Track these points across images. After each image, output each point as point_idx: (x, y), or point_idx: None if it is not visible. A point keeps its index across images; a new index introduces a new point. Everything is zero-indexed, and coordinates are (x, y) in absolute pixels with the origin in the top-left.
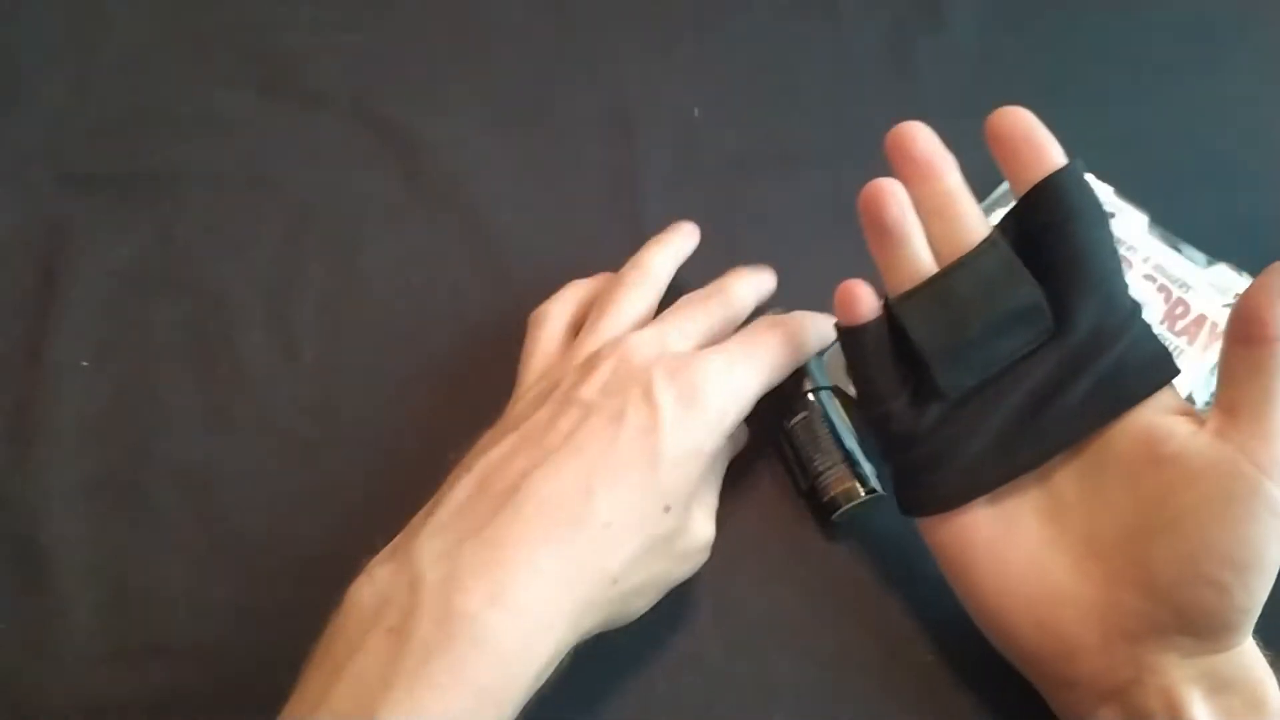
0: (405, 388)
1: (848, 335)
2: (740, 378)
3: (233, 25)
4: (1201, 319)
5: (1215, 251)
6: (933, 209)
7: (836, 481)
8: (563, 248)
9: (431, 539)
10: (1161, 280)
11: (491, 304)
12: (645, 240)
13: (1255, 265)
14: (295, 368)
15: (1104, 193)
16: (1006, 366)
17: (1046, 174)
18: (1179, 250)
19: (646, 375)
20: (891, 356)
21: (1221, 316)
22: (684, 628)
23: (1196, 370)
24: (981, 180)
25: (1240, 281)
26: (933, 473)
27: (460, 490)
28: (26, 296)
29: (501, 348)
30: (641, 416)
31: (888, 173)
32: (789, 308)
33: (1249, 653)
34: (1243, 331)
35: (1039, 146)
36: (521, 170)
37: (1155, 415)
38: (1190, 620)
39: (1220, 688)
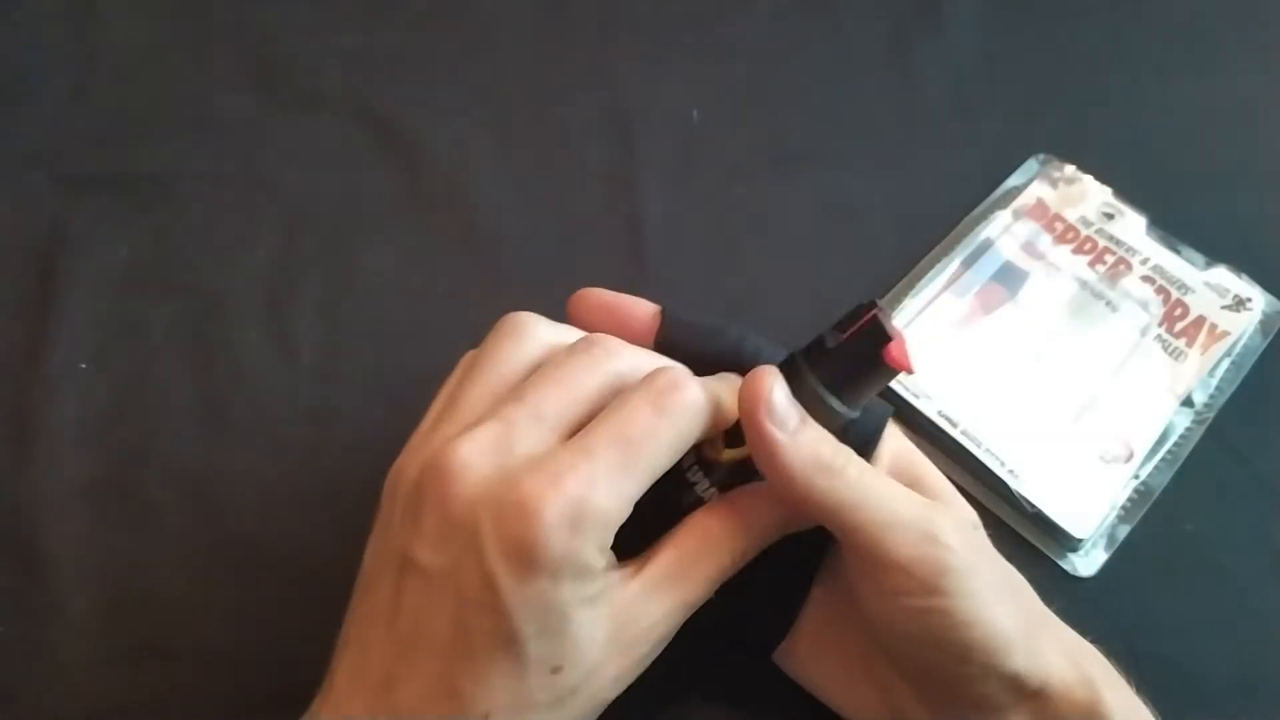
0: (404, 389)
1: None
2: (601, 500)
3: (232, 26)
4: (1200, 320)
5: (1214, 253)
6: None
7: None
8: (561, 249)
9: None
10: (1160, 282)
11: (490, 305)
12: (645, 242)
13: (1255, 266)
14: (294, 369)
15: (1103, 194)
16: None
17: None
18: (1178, 252)
19: (472, 528)
20: None
21: (1220, 318)
22: None
23: (1195, 372)
24: (981, 180)
25: (1239, 283)
26: (745, 623)
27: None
28: (25, 298)
29: None
30: (479, 592)
31: (887, 172)
32: (789, 312)
33: (1076, 685)
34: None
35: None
36: (520, 171)
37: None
38: (996, 683)
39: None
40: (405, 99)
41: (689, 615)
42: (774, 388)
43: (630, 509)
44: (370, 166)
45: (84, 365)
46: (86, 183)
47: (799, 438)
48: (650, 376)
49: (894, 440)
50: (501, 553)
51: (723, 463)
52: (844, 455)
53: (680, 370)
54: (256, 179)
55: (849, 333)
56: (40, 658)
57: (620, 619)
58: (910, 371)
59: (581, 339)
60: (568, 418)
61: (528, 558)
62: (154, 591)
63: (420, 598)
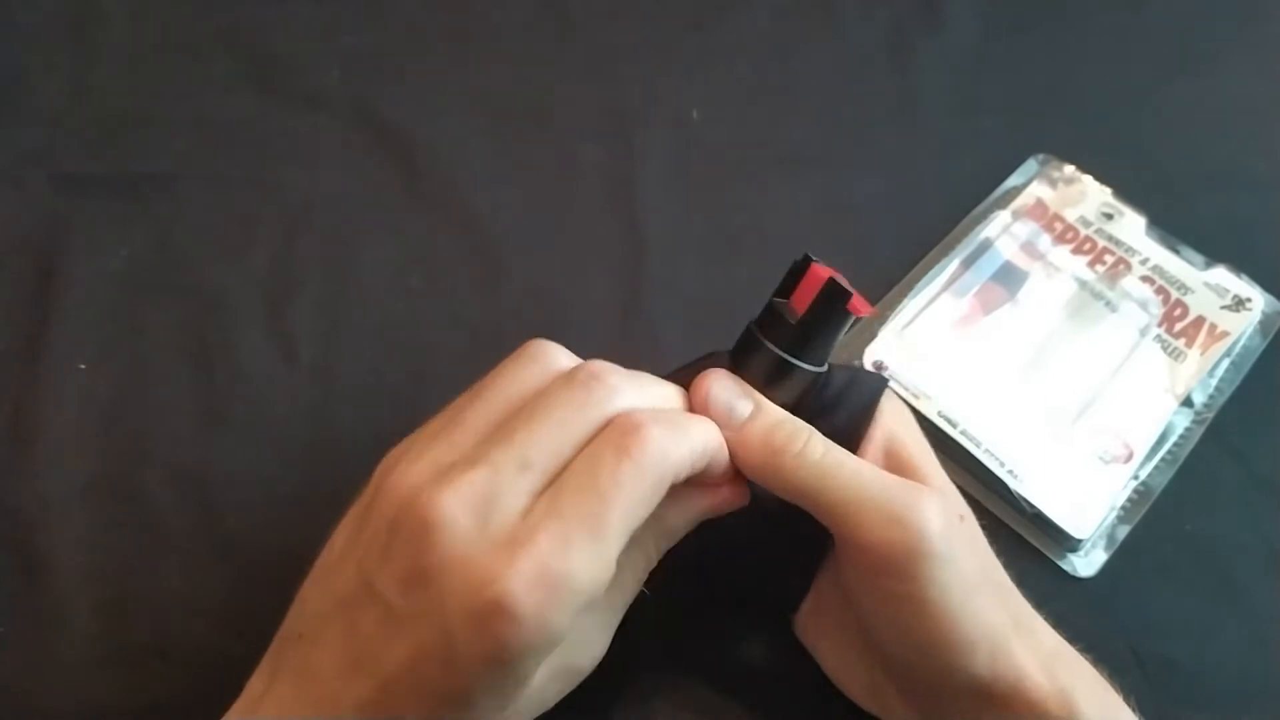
0: (402, 390)
1: None
2: (579, 572)
3: (232, 26)
4: (1200, 320)
5: (1214, 253)
6: None
7: None
8: (561, 249)
9: None
10: (1160, 282)
11: (489, 306)
12: (645, 242)
13: (1254, 266)
14: (293, 369)
15: (1102, 194)
16: None
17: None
18: (1177, 252)
19: (439, 588)
20: None
21: (1220, 318)
22: None
23: (1195, 372)
24: (981, 180)
25: (1239, 283)
26: (768, 579)
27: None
28: (24, 298)
29: (499, 349)
30: (437, 649)
31: (887, 172)
32: None
33: (1050, 696)
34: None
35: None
36: (520, 171)
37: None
38: (961, 685)
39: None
40: (405, 99)
41: (619, 620)
42: (710, 389)
43: (613, 567)
44: (370, 166)
45: (83, 365)
46: (86, 183)
47: (748, 428)
48: (613, 422)
49: (891, 419)
50: (466, 624)
51: None
52: (803, 436)
53: (645, 409)
54: (256, 178)
55: (810, 301)
56: (39, 658)
57: (564, 651)
58: (873, 313)
59: (579, 368)
60: (556, 461)
61: (494, 639)
62: (154, 591)
63: (378, 629)
